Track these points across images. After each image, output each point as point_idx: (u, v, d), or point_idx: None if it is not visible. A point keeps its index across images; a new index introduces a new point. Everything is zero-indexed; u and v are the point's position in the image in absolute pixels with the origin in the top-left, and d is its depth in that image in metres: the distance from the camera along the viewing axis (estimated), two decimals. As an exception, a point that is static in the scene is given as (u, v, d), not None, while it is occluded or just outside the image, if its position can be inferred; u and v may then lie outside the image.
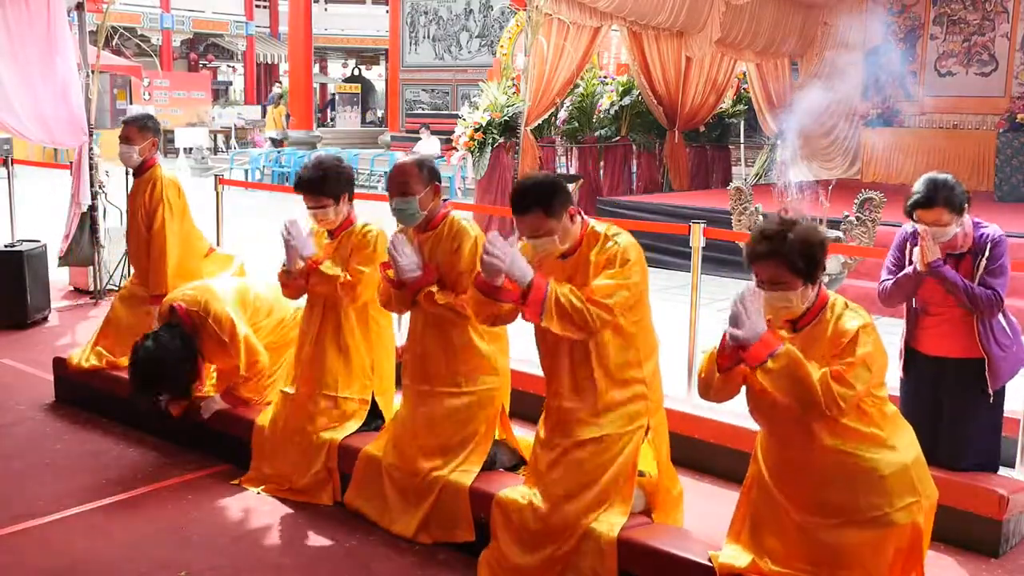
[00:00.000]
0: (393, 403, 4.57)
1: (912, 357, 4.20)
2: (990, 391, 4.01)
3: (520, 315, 3.55)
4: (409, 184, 3.95)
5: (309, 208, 4.40)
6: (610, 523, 3.50)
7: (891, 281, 4.07)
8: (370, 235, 4.44)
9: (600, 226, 3.54)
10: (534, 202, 3.38)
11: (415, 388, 4.15)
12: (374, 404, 4.57)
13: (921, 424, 4.13)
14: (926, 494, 3.12)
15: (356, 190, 4.59)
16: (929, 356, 4.13)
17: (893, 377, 3.77)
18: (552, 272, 3.51)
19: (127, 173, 7.50)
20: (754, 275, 3.08)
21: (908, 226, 4.10)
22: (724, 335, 3.11)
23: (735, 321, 3.01)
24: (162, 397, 4.83)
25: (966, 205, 3.89)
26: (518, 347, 4.27)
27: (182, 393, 4.86)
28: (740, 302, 3.01)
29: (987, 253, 3.91)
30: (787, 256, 2.98)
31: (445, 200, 4.12)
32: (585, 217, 3.56)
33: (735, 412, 4.57)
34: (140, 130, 5.60)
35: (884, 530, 3.03)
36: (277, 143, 23.16)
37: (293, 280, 4.45)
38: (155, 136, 5.70)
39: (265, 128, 25.56)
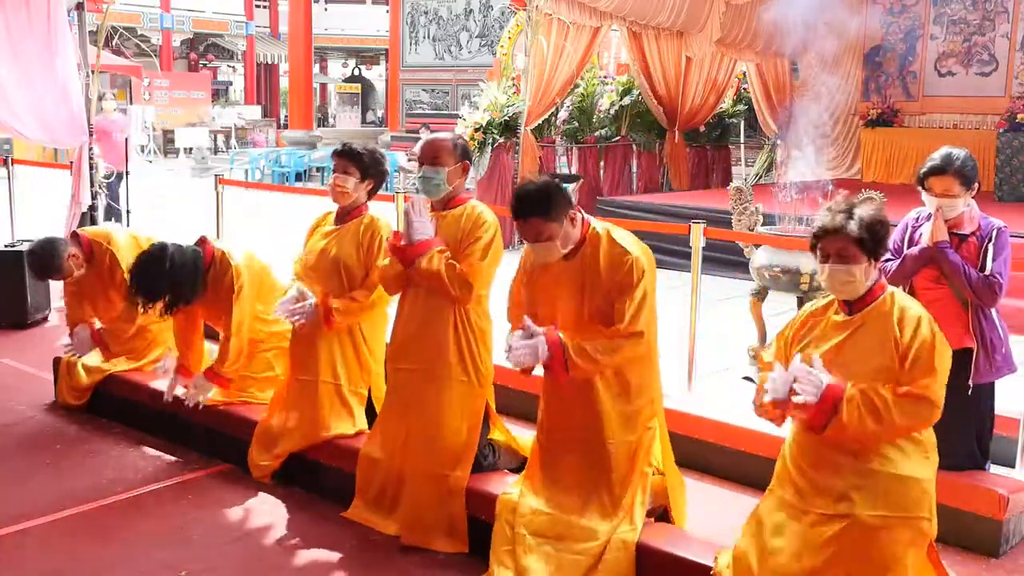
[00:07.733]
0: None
1: None
2: (970, 383, 3.88)
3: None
4: (440, 155, 3.93)
5: (334, 173, 4.41)
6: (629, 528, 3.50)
7: (895, 261, 4.02)
8: (377, 224, 4.43)
9: (600, 225, 3.54)
10: (533, 208, 3.40)
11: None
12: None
13: None
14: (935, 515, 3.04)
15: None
16: None
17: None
18: (559, 275, 3.53)
19: (126, 174, 7.49)
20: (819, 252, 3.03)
21: (913, 213, 4.10)
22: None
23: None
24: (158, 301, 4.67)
25: (975, 184, 3.92)
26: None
27: (183, 299, 4.72)
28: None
29: (993, 239, 3.90)
30: (853, 232, 2.95)
31: (469, 189, 4.09)
32: (586, 216, 3.56)
33: (735, 412, 4.58)
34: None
35: (905, 533, 2.94)
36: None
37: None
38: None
39: None
